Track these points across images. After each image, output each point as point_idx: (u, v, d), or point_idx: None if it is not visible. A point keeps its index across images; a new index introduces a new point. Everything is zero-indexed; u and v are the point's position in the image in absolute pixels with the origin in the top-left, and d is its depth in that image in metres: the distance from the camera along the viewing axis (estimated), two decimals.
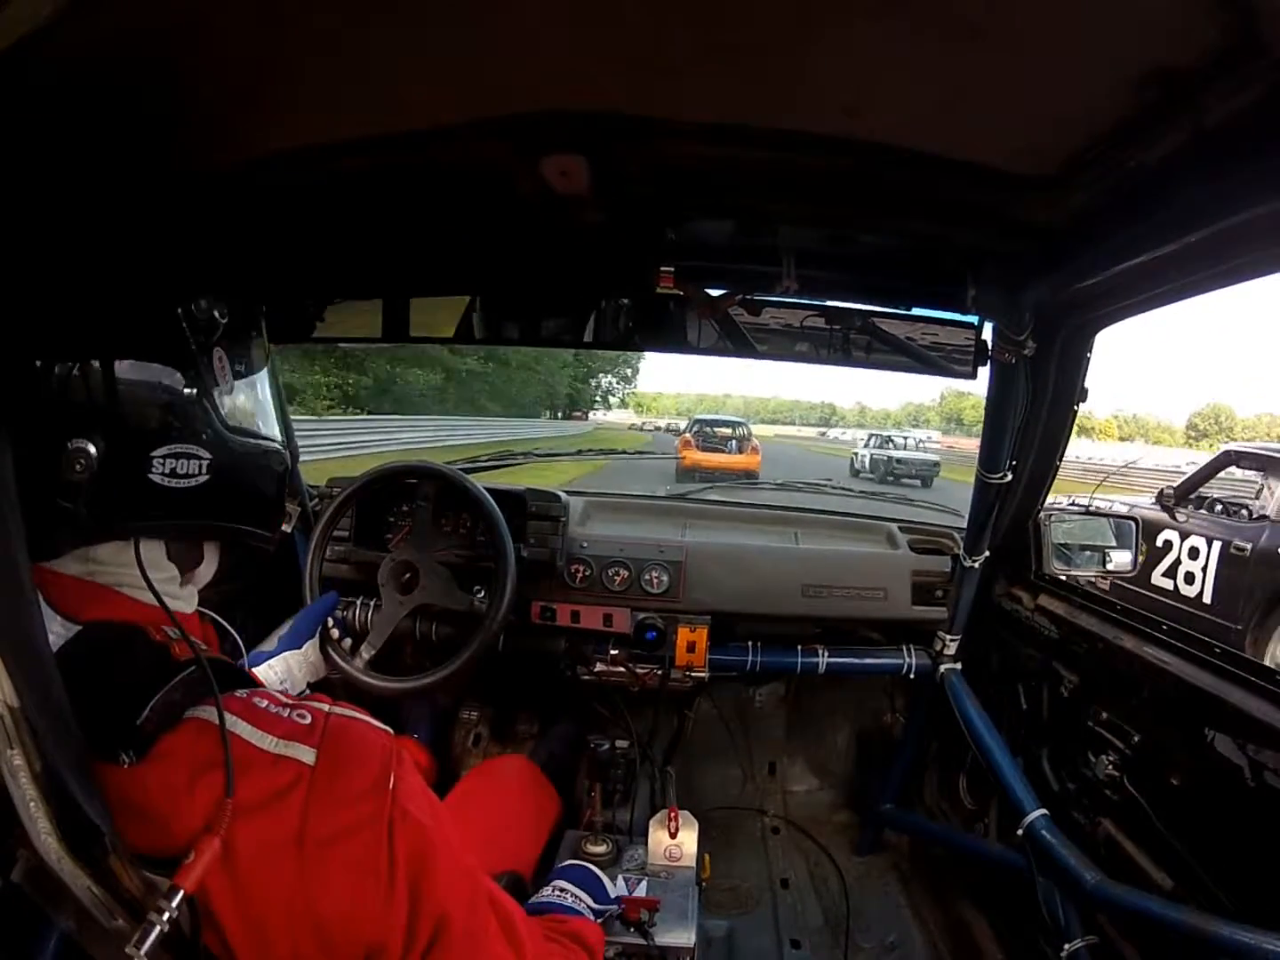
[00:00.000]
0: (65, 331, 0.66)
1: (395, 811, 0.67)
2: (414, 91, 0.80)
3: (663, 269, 1.24)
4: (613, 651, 1.85)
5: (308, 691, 1.34)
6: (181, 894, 0.55)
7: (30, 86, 0.59)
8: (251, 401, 0.79)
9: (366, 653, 1.48)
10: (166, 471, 0.69)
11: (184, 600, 0.79)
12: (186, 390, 0.71)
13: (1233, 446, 5.10)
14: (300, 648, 1.36)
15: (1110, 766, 1.39)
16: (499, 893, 0.82)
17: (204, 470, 0.72)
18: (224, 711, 0.63)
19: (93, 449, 0.65)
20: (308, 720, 0.67)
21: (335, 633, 1.45)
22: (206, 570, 0.83)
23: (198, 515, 0.74)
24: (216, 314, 0.74)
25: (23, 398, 0.63)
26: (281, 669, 1.30)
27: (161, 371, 0.70)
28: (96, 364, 0.66)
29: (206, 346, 0.73)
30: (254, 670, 1.22)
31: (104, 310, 0.69)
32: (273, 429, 0.83)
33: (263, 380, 0.83)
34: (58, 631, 0.65)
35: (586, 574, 1.82)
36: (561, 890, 1.20)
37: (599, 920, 1.22)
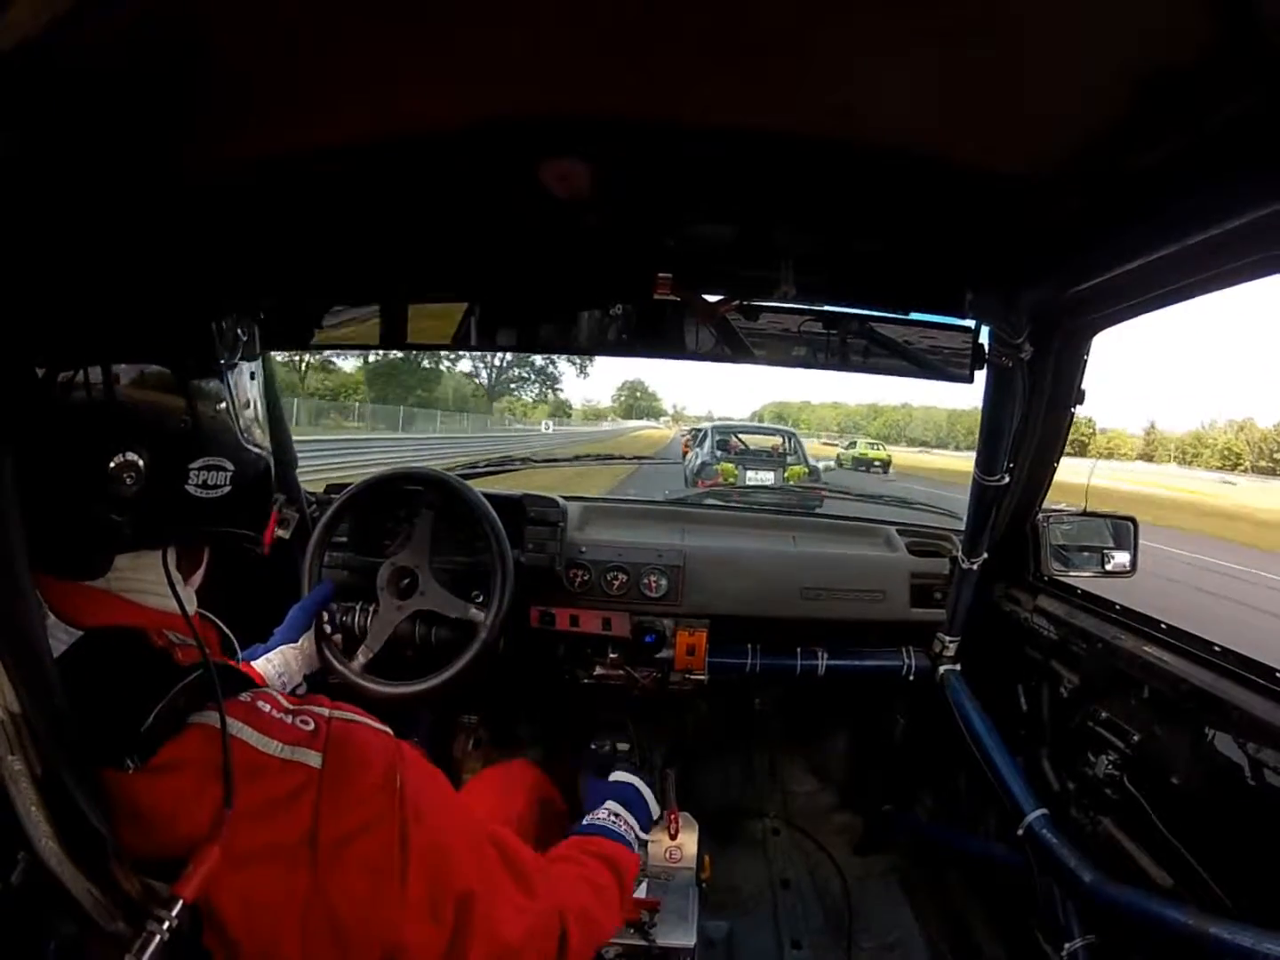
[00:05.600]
0: (109, 346, 0.67)
1: (406, 811, 0.68)
2: (414, 96, 0.81)
3: (660, 275, 1.24)
4: (612, 655, 1.85)
5: (304, 686, 1.36)
6: (181, 903, 0.56)
7: (30, 90, 0.59)
8: (255, 413, 0.82)
9: (364, 655, 1.49)
10: (199, 483, 0.72)
11: (187, 604, 0.80)
12: (220, 405, 0.74)
13: None
14: (296, 641, 1.38)
15: (1110, 766, 1.39)
16: (504, 836, 0.84)
17: (227, 481, 0.75)
18: (229, 717, 0.63)
19: (140, 462, 0.67)
20: (311, 726, 0.69)
21: (328, 628, 1.46)
22: (199, 574, 0.85)
23: (215, 523, 0.77)
24: (241, 331, 0.78)
25: (53, 412, 0.64)
26: (279, 661, 1.31)
27: (199, 386, 0.73)
28: (141, 378, 0.68)
29: (233, 362, 0.77)
30: (252, 664, 1.23)
31: (147, 325, 0.71)
32: (266, 439, 0.86)
33: (259, 393, 0.85)
34: (61, 638, 0.65)
35: (585, 579, 1.82)
36: (615, 815, 1.18)
37: (641, 847, 1.20)
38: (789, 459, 10.06)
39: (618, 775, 1.34)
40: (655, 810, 1.30)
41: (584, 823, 1.16)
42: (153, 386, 0.70)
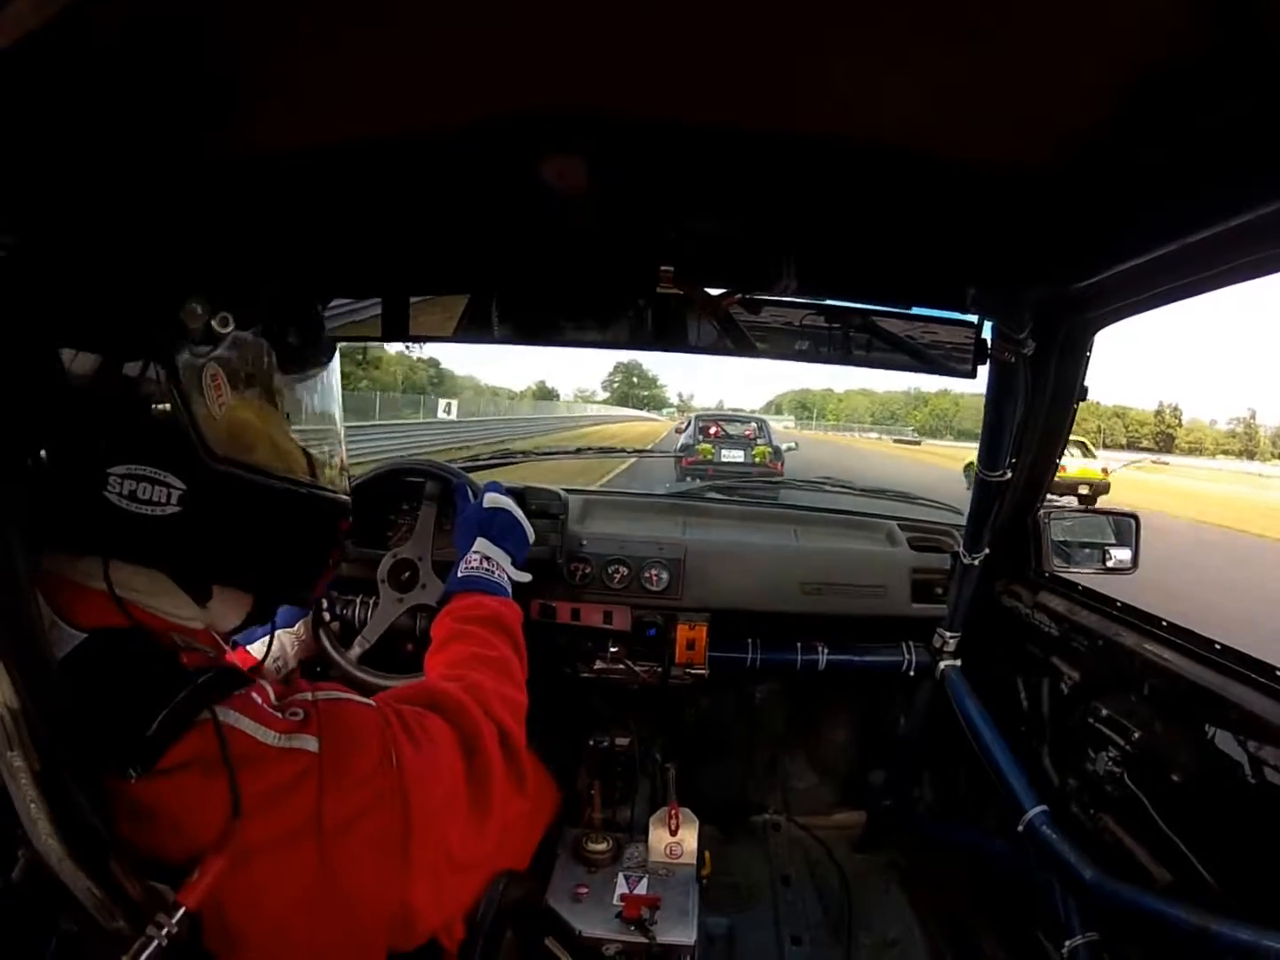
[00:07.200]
0: (36, 326, 0.63)
1: (406, 781, 0.69)
2: (413, 92, 0.80)
3: (662, 268, 1.24)
4: (613, 649, 1.85)
5: (296, 668, 1.36)
6: (183, 910, 0.55)
7: (31, 84, 0.59)
8: (261, 429, 0.72)
9: (359, 647, 1.49)
10: (124, 493, 0.64)
11: (196, 620, 0.75)
12: (158, 406, 0.64)
13: None
14: (293, 626, 1.37)
15: (1110, 762, 1.39)
16: (438, 691, 0.85)
17: (172, 500, 0.65)
18: (227, 709, 0.63)
19: (43, 454, 0.62)
20: (300, 715, 0.68)
21: (326, 615, 1.46)
22: (223, 612, 0.78)
23: (174, 548, 0.68)
24: (215, 325, 0.68)
25: None
26: (274, 646, 1.30)
27: (129, 381, 0.64)
28: (54, 362, 0.62)
29: (195, 361, 0.67)
30: (248, 647, 1.23)
31: (71, 304, 0.65)
32: (294, 463, 0.76)
33: (287, 404, 0.76)
34: (65, 638, 0.64)
35: (586, 572, 1.82)
36: (486, 559, 1.16)
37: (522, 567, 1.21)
38: (758, 441, 12.16)
39: (490, 498, 1.28)
40: (530, 534, 1.28)
41: (459, 575, 1.14)
42: (75, 376, 0.62)
